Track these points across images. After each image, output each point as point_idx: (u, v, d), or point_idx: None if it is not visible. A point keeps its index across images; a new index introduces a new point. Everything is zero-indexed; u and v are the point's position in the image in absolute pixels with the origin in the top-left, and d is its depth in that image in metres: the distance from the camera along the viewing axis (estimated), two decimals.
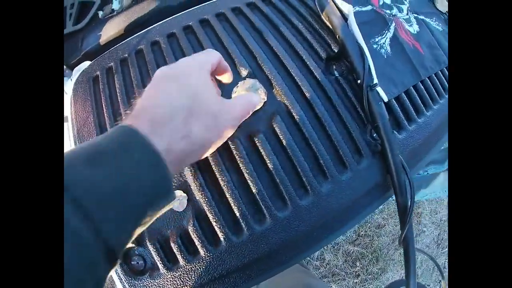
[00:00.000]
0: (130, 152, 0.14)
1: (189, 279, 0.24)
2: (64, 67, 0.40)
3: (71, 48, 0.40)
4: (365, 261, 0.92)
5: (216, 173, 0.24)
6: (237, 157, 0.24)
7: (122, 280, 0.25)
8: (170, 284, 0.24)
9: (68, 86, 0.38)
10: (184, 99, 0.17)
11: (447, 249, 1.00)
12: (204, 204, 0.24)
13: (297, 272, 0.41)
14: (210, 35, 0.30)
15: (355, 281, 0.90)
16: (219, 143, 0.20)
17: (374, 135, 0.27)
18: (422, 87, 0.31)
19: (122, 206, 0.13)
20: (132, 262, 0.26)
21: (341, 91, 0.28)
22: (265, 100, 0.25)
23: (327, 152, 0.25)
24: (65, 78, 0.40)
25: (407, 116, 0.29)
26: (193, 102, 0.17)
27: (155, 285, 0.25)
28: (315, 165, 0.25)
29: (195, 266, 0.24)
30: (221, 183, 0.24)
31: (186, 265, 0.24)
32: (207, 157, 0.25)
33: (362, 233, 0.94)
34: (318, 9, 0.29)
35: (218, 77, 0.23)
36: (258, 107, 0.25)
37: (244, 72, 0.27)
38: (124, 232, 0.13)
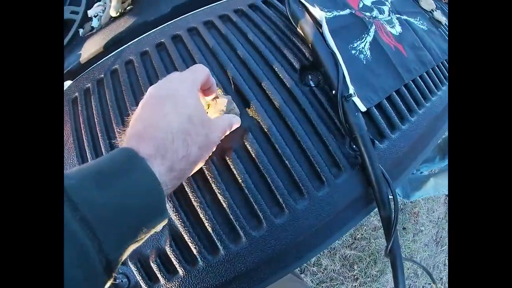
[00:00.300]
0: (131, 175, 0.16)
1: None
2: None
3: None
4: (363, 264, 0.92)
5: (189, 194, 0.25)
6: (209, 177, 0.25)
7: None
8: None
9: None
10: (182, 122, 0.19)
11: (446, 246, 0.99)
12: (178, 225, 0.25)
13: (290, 282, 0.41)
14: (182, 51, 0.30)
15: (354, 284, 0.89)
16: (207, 157, 0.22)
17: (354, 146, 0.27)
18: (406, 91, 0.30)
19: (122, 226, 0.15)
20: (117, 281, 0.27)
21: (317, 102, 0.27)
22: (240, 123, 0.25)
23: (302, 167, 0.25)
24: None
25: (389, 124, 0.29)
26: (190, 125, 0.19)
27: None
28: (289, 181, 0.25)
29: (175, 285, 0.25)
30: (194, 203, 0.25)
31: (166, 284, 0.25)
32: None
33: (358, 236, 0.94)
34: (290, 17, 0.29)
35: (203, 94, 0.24)
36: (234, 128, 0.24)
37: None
38: (121, 248, 0.16)
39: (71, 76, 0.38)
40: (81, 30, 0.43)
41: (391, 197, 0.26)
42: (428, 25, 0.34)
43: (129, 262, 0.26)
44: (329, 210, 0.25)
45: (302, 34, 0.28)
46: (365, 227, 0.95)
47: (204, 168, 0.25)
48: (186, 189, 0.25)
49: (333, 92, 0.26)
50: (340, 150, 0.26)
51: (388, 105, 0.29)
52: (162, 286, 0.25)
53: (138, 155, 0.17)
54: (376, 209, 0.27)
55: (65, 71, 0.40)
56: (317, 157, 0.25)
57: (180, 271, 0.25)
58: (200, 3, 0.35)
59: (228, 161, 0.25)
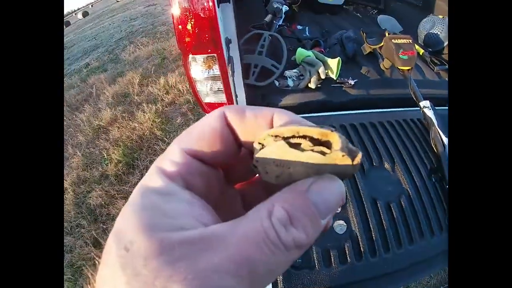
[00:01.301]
0: None
1: (336, 278, 0.48)
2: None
3: (253, 95, 0.68)
4: None
5: (368, 217, 0.50)
6: (380, 211, 0.50)
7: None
8: (321, 278, 0.48)
9: None
10: None
11: None
12: (357, 233, 0.49)
13: None
14: (370, 133, 0.58)
15: None
16: None
17: None
18: None
19: None
20: None
21: (436, 190, 0.55)
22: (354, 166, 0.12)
23: (425, 222, 0.51)
24: None
25: None
26: None
27: (308, 276, 0.48)
28: (417, 228, 0.51)
29: (341, 270, 0.48)
30: (370, 223, 0.49)
31: (336, 268, 0.48)
32: (364, 205, 0.50)
33: None
34: (431, 141, 0.58)
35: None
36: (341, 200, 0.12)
37: (387, 165, 0.54)
38: None
39: None
40: (277, 82, 0.71)
41: None
42: None
43: (313, 250, 0.49)
44: (434, 250, 0.51)
45: (436, 151, 0.57)
46: None
47: (379, 206, 0.50)
48: (367, 214, 0.50)
49: (447, 186, 0.54)
50: (444, 219, 0.53)
51: None
52: (333, 269, 0.48)
53: None
54: None
55: (266, 104, 0.66)
56: (433, 219, 0.52)
57: (349, 261, 0.48)
58: (363, 104, 0.65)
59: (391, 206, 0.50)
